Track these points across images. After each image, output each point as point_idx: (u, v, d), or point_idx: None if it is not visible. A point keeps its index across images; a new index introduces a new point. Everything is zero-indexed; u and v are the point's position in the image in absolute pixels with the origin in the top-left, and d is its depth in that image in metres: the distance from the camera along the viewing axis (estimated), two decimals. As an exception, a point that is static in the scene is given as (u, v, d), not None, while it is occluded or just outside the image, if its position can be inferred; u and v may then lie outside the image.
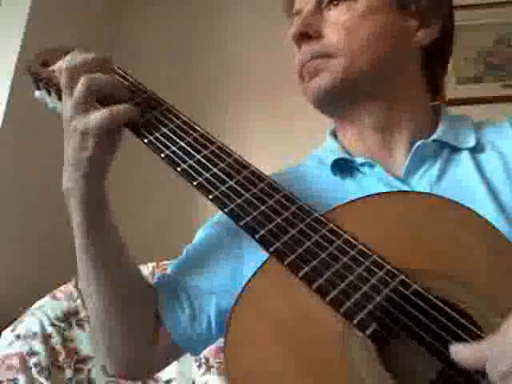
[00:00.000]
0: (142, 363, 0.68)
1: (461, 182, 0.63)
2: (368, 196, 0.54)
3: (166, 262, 1.35)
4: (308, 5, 0.68)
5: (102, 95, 0.59)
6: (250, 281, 0.49)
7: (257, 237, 0.49)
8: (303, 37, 0.67)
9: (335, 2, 0.67)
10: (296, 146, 0.82)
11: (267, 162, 0.79)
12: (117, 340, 0.67)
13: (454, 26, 0.74)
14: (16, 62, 1.43)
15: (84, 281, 0.66)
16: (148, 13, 2.02)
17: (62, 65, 0.61)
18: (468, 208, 0.50)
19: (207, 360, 1.20)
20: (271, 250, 0.48)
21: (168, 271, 0.73)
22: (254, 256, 0.51)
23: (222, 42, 1.94)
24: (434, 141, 0.66)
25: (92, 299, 0.66)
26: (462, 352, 0.40)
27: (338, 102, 0.69)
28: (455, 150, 0.66)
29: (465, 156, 0.65)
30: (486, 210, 0.56)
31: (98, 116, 0.57)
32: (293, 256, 0.47)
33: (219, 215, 0.72)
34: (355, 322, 0.43)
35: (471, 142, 0.66)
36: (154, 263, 1.35)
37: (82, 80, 0.58)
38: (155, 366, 0.72)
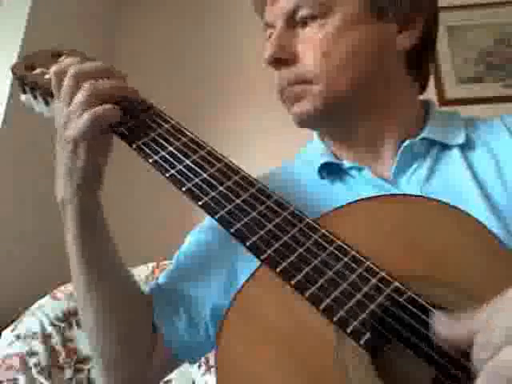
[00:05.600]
0: (140, 378, 0.66)
1: (451, 181, 0.61)
2: (361, 200, 0.52)
3: (165, 262, 1.35)
4: (279, 22, 0.64)
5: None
6: (243, 286, 0.48)
7: (247, 244, 0.48)
8: (278, 61, 0.63)
9: (308, 19, 0.62)
10: (294, 147, 0.82)
11: (265, 163, 0.78)
12: (116, 355, 0.64)
13: (438, 18, 0.70)
14: (16, 62, 1.43)
15: (80, 293, 0.63)
16: (147, 13, 2.02)
17: (59, 68, 0.58)
18: (463, 210, 0.49)
19: (207, 360, 1.19)
20: (262, 257, 0.47)
21: (160, 281, 0.71)
22: (247, 261, 0.50)
23: (222, 42, 1.94)
24: (422, 139, 0.64)
25: (89, 313, 0.63)
26: (446, 326, 0.37)
27: (321, 124, 0.67)
28: (445, 147, 0.64)
29: (455, 153, 0.63)
30: (478, 209, 0.54)
31: (81, 121, 0.54)
32: (285, 263, 0.46)
33: (209, 219, 0.70)
34: (349, 331, 0.42)
35: (461, 139, 0.64)
36: (154, 263, 1.35)
37: (86, 89, 0.55)
38: (151, 381, 0.69)
